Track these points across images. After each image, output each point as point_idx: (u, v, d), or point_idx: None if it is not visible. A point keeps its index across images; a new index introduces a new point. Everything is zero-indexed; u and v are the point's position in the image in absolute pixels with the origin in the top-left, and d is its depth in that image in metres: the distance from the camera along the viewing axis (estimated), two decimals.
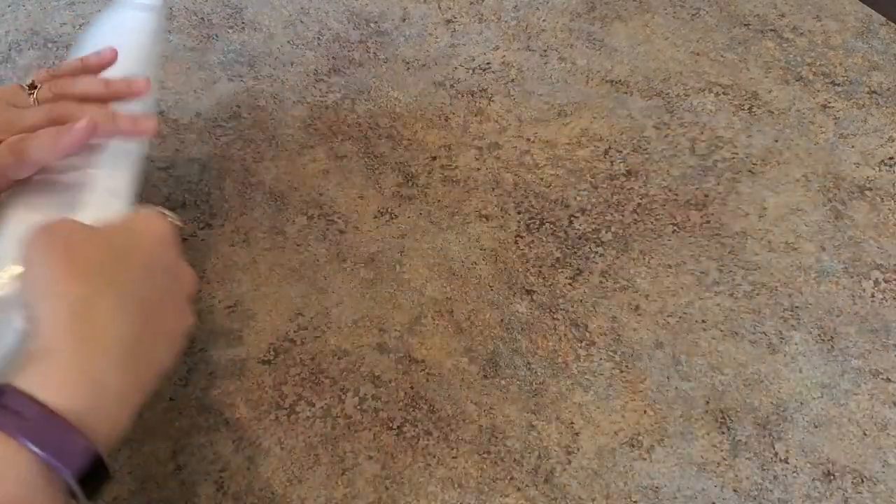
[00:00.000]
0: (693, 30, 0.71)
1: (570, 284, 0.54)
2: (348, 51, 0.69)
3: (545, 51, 0.69)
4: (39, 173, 0.41)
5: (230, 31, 0.70)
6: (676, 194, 0.59)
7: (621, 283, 0.55)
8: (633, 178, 0.60)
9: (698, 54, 0.69)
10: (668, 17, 0.72)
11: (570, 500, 0.45)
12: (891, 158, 0.62)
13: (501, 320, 0.53)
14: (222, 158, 0.61)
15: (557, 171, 0.61)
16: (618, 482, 0.46)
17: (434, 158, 0.61)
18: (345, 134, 0.63)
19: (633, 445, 0.47)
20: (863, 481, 0.46)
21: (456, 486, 0.46)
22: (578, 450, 0.47)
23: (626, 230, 0.57)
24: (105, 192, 0.42)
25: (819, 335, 0.52)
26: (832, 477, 0.46)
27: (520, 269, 0.55)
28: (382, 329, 0.52)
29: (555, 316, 0.53)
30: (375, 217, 0.58)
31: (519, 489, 0.46)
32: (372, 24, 0.71)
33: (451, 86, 0.66)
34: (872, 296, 0.54)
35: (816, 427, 0.48)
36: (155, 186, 0.59)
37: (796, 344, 0.52)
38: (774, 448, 0.47)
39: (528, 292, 0.54)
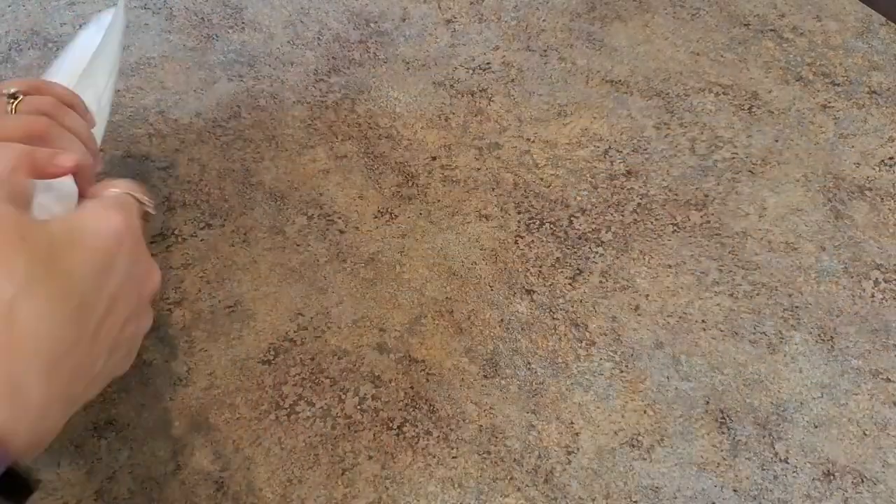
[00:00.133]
0: (693, 30, 0.71)
1: (570, 284, 0.54)
2: (348, 51, 0.69)
3: (545, 51, 0.69)
4: None
5: (230, 31, 0.70)
6: (676, 194, 0.59)
7: (621, 283, 0.55)
8: (633, 178, 0.60)
9: (698, 54, 0.69)
10: (668, 17, 0.72)
11: (570, 500, 0.45)
12: (891, 158, 0.62)
13: (501, 320, 0.53)
14: (222, 158, 0.61)
15: (557, 171, 0.61)
16: (618, 482, 0.46)
17: (434, 158, 0.61)
18: (345, 134, 0.63)
19: (633, 445, 0.47)
20: (863, 481, 0.46)
21: (456, 486, 0.46)
22: (578, 450, 0.47)
23: (626, 230, 0.57)
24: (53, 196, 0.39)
25: (819, 335, 0.52)
26: (832, 477, 0.46)
27: (520, 269, 0.55)
28: (382, 329, 0.52)
29: (555, 316, 0.53)
30: (375, 217, 0.58)
31: (519, 489, 0.46)
32: (372, 24, 0.71)
33: (451, 86, 0.66)
34: (872, 296, 0.54)
35: (816, 427, 0.48)
36: (155, 186, 0.59)
37: (796, 344, 0.52)
38: (774, 448, 0.47)
39: (528, 292, 0.54)
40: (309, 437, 0.47)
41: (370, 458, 0.46)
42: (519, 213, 0.58)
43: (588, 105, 0.65)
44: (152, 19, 0.70)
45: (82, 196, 0.38)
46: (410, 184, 0.60)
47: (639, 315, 0.53)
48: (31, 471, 0.29)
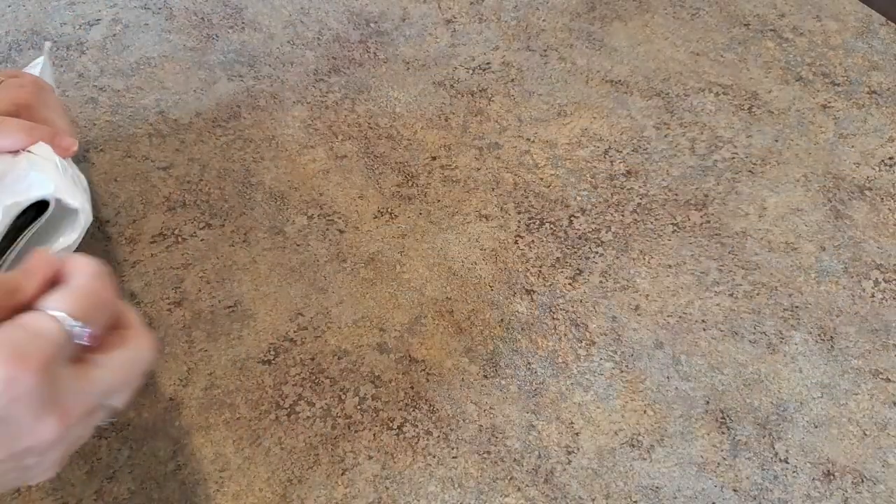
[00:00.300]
0: (693, 30, 0.71)
1: (570, 284, 0.54)
2: (348, 51, 0.69)
3: (545, 51, 0.69)
4: None
5: (230, 31, 0.70)
6: (676, 194, 0.59)
7: (621, 283, 0.55)
8: (633, 178, 0.60)
9: (698, 54, 0.69)
10: (668, 17, 0.72)
11: (570, 500, 0.45)
12: (891, 158, 0.62)
13: (501, 320, 0.53)
14: (222, 158, 0.61)
15: (557, 171, 0.61)
16: (618, 482, 0.46)
17: (434, 158, 0.61)
18: (345, 134, 0.63)
19: (633, 445, 0.47)
20: (863, 481, 0.46)
21: (456, 486, 0.46)
22: (578, 450, 0.47)
23: (626, 230, 0.57)
24: None
25: (819, 335, 0.52)
26: (832, 477, 0.46)
27: (520, 269, 0.55)
28: (382, 329, 0.52)
29: (555, 316, 0.53)
30: (375, 217, 0.58)
31: (519, 489, 0.46)
32: (372, 24, 0.71)
33: (451, 86, 0.66)
34: (872, 296, 0.54)
35: (816, 427, 0.48)
36: (155, 186, 0.59)
37: (796, 344, 0.52)
38: (774, 448, 0.47)
39: (528, 292, 0.54)
40: (309, 437, 0.47)
41: (370, 458, 0.46)
42: (519, 213, 0.58)
43: (588, 105, 0.65)
44: (152, 19, 0.70)
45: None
46: (410, 184, 0.60)
47: (639, 315, 0.53)
48: None
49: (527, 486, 0.46)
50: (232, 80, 0.66)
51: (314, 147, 0.62)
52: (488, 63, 0.68)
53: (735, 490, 0.46)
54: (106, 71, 0.66)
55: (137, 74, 0.66)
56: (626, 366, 0.51)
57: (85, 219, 0.43)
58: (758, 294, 0.54)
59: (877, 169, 0.61)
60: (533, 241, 0.57)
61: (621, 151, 0.62)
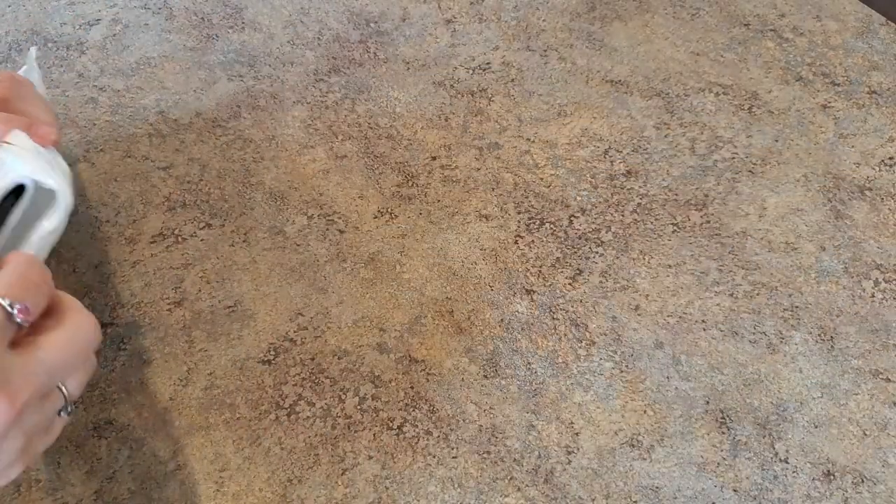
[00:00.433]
0: (693, 30, 0.71)
1: (570, 284, 0.54)
2: (348, 51, 0.69)
3: (545, 51, 0.69)
4: None
5: (230, 31, 0.70)
6: (676, 194, 0.59)
7: (621, 283, 0.55)
8: (633, 178, 0.60)
9: (698, 54, 0.69)
10: (668, 17, 0.72)
11: (570, 500, 0.45)
12: (891, 158, 0.62)
13: (501, 320, 0.53)
14: (222, 158, 0.61)
15: (557, 171, 0.61)
16: (618, 482, 0.46)
17: (434, 158, 0.61)
18: (345, 134, 0.63)
19: (633, 445, 0.47)
20: (863, 481, 0.46)
21: (456, 486, 0.46)
22: (578, 450, 0.47)
23: (626, 230, 0.57)
24: None
25: (819, 335, 0.52)
26: (832, 477, 0.46)
27: (520, 269, 0.55)
28: (382, 329, 0.52)
29: (555, 316, 0.53)
30: (375, 217, 0.58)
31: (519, 489, 0.46)
32: (372, 24, 0.71)
33: (451, 86, 0.66)
34: (872, 296, 0.54)
35: (816, 427, 0.48)
36: (155, 186, 0.59)
37: (796, 344, 0.52)
38: (774, 448, 0.47)
39: (528, 292, 0.54)
40: (309, 437, 0.47)
41: (370, 458, 0.46)
42: (519, 213, 0.58)
43: (588, 105, 0.65)
44: (152, 19, 0.70)
45: None
46: (410, 184, 0.60)
47: (639, 315, 0.53)
48: None
49: (527, 486, 0.46)
50: (232, 80, 0.66)
51: (314, 147, 0.62)
52: (488, 63, 0.68)
53: (735, 490, 0.46)
54: (106, 71, 0.66)
55: (137, 74, 0.66)
56: (626, 366, 0.51)
57: (64, 200, 0.43)
58: (758, 294, 0.54)
59: (877, 169, 0.61)
60: (533, 241, 0.57)
61: (621, 151, 0.62)
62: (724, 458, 0.47)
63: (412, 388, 0.49)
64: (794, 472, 0.47)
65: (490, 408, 0.49)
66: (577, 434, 0.48)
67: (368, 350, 0.51)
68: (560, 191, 0.59)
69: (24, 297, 0.31)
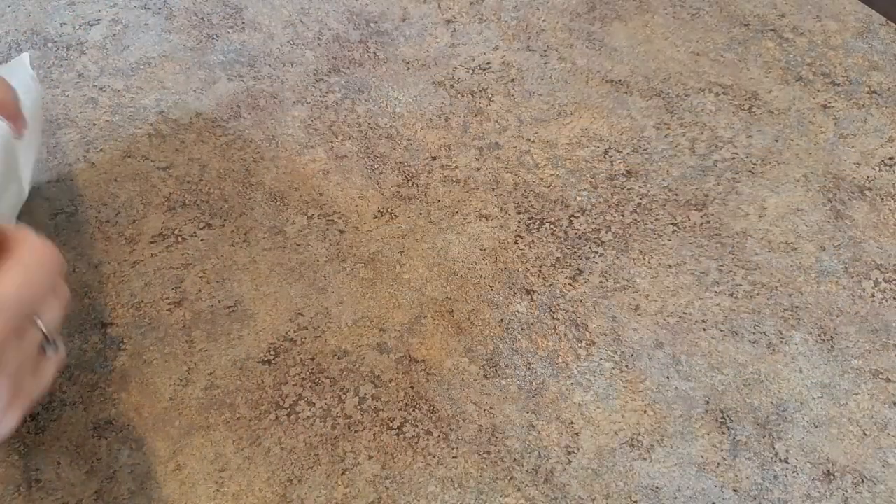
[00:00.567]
0: (693, 30, 0.71)
1: (570, 284, 0.54)
2: (348, 51, 0.69)
3: (545, 51, 0.69)
4: None
5: (230, 31, 0.70)
6: (676, 194, 0.59)
7: (621, 283, 0.55)
8: (633, 178, 0.60)
9: (698, 54, 0.69)
10: (668, 17, 0.72)
11: (570, 500, 0.45)
12: (891, 158, 0.62)
13: (501, 320, 0.53)
14: (222, 158, 0.61)
15: (557, 171, 0.61)
16: (618, 482, 0.46)
17: (434, 158, 0.61)
18: (345, 134, 0.63)
19: (633, 445, 0.47)
20: (863, 481, 0.46)
21: (456, 486, 0.46)
22: (578, 450, 0.47)
23: (626, 230, 0.57)
24: None
25: (819, 335, 0.52)
26: (832, 477, 0.46)
27: (520, 269, 0.55)
28: (382, 329, 0.52)
29: (555, 316, 0.53)
30: (375, 217, 0.58)
31: (519, 489, 0.46)
32: (372, 24, 0.71)
33: (451, 86, 0.66)
34: (872, 296, 0.54)
35: (816, 427, 0.48)
36: (155, 186, 0.59)
37: (796, 344, 0.52)
38: (774, 448, 0.47)
39: (528, 292, 0.54)
40: (309, 437, 0.47)
41: (370, 458, 0.46)
42: (519, 213, 0.58)
43: (588, 105, 0.65)
44: (152, 19, 0.70)
45: None
46: (410, 184, 0.60)
47: (639, 315, 0.53)
48: None
49: (527, 486, 0.46)
50: (232, 80, 0.66)
51: (314, 147, 0.62)
52: (488, 63, 0.68)
53: (735, 490, 0.46)
54: (106, 71, 0.66)
55: (137, 74, 0.66)
56: (626, 366, 0.51)
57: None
58: (758, 294, 0.54)
59: (877, 169, 0.61)
60: (533, 241, 0.57)
61: (621, 151, 0.62)
62: (724, 458, 0.47)
63: (412, 388, 0.49)
64: (794, 472, 0.47)
65: (490, 408, 0.49)
66: (577, 434, 0.48)
67: (368, 350, 0.51)
68: (560, 191, 0.59)
69: None
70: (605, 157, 0.62)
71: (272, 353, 0.51)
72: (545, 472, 0.46)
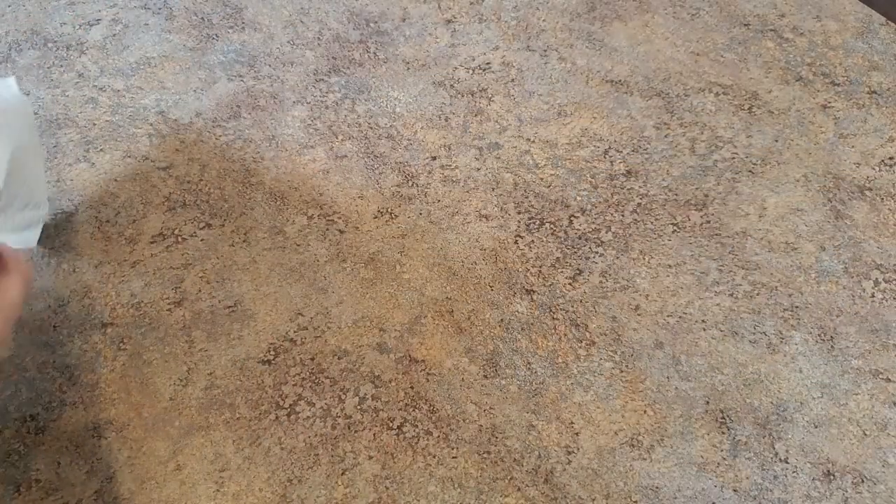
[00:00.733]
0: (693, 30, 0.71)
1: (570, 284, 0.54)
2: (348, 51, 0.69)
3: (545, 51, 0.69)
4: None
5: (230, 31, 0.70)
6: (676, 194, 0.59)
7: (621, 283, 0.55)
8: (633, 178, 0.60)
9: (698, 54, 0.69)
10: (668, 17, 0.72)
11: (570, 500, 0.45)
12: (891, 158, 0.62)
13: (501, 320, 0.53)
14: (222, 158, 0.61)
15: (557, 171, 0.61)
16: (618, 482, 0.46)
17: (434, 158, 0.61)
18: (345, 134, 0.63)
19: (633, 445, 0.47)
20: (863, 481, 0.46)
21: (456, 486, 0.46)
22: (578, 450, 0.47)
23: (626, 230, 0.57)
24: None
25: (819, 335, 0.52)
26: (832, 477, 0.46)
27: (520, 269, 0.55)
28: (382, 329, 0.52)
29: (555, 316, 0.53)
30: (375, 217, 0.58)
31: (519, 489, 0.46)
32: (372, 24, 0.71)
33: (451, 86, 0.66)
34: (872, 296, 0.54)
35: (816, 427, 0.48)
36: (155, 186, 0.59)
37: (796, 344, 0.52)
38: (774, 448, 0.47)
39: (528, 292, 0.54)
40: (309, 437, 0.47)
41: (370, 458, 0.46)
42: (519, 213, 0.58)
43: (588, 105, 0.65)
44: (152, 19, 0.70)
45: None
46: (410, 184, 0.60)
47: (639, 315, 0.53)
48: None
49: (527, 486, 0.46)
50: (232, 80, 0.66)
51: (314, 147, 0.62)
52: (488, 63, 0.68)
53: (735, 490, 0.46)
54: (106, 71, 0.66)
55: (137, 74, 0.66)
56: (626, 366, 0.51)
57: None
58: (758, 294, 0.54)
59: (877, 169, 0.61)
60: (533, 241, 0.57)
61: (621, 151, 0.62)
62: (724, 458, 0.47)
63: (412, 388, 0.49)
64: (794, 472, 0.47)
65: (490, 408, 0.49)
66: (577, 434, 0.48)
67: (368, 350, 0.51)
68: (560, 191, 0.59)
69: None
70: (605, 157, 0.62)
71: (272, 353, 0.51)
72: (545, 472, 0.46)
